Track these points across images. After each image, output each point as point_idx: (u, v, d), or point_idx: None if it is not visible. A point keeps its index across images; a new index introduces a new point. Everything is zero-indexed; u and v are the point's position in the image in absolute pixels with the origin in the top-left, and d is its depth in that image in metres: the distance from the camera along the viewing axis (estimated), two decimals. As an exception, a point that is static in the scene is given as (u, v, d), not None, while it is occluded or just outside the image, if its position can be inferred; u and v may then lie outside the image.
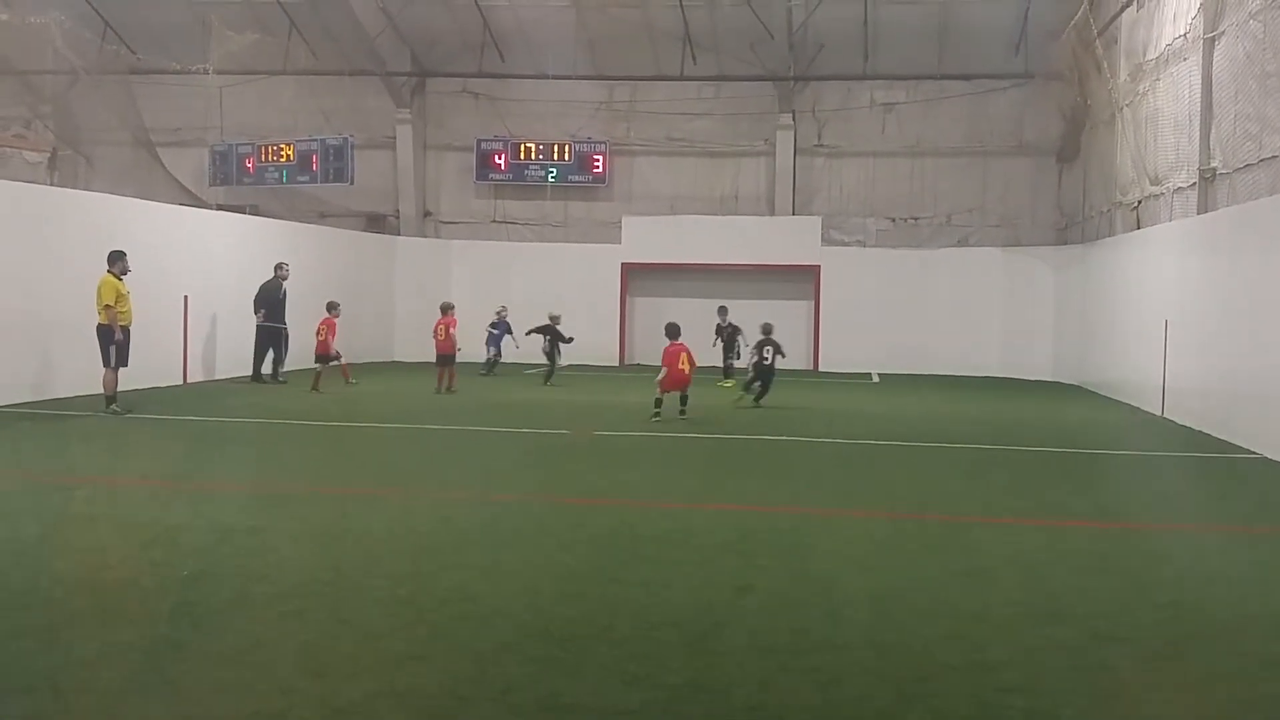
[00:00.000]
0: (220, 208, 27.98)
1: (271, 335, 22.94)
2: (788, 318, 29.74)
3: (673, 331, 18.02)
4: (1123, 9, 23.03)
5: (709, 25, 29.67)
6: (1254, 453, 14.84)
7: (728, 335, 24.75)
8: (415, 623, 6.84)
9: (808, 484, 12.39)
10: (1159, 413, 19.43)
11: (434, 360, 22.09)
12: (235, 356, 23.04)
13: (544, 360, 23.78)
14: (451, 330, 21.93)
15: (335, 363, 21.17)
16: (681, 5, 28.55)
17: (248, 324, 22.98)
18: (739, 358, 23.95)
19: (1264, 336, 14.92)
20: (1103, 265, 24.76)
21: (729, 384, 22.93)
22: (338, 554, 8.51)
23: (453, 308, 22.56)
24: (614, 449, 14.94)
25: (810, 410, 19.43)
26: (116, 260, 16.79)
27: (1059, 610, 7.35)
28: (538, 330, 23.79)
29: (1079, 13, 24.14)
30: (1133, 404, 21.21)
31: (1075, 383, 26.35)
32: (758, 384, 19.83)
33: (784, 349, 20.15)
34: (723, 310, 25.05)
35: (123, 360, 16.76)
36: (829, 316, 29.18)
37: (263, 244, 24.90)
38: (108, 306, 16.45)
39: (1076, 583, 8.11)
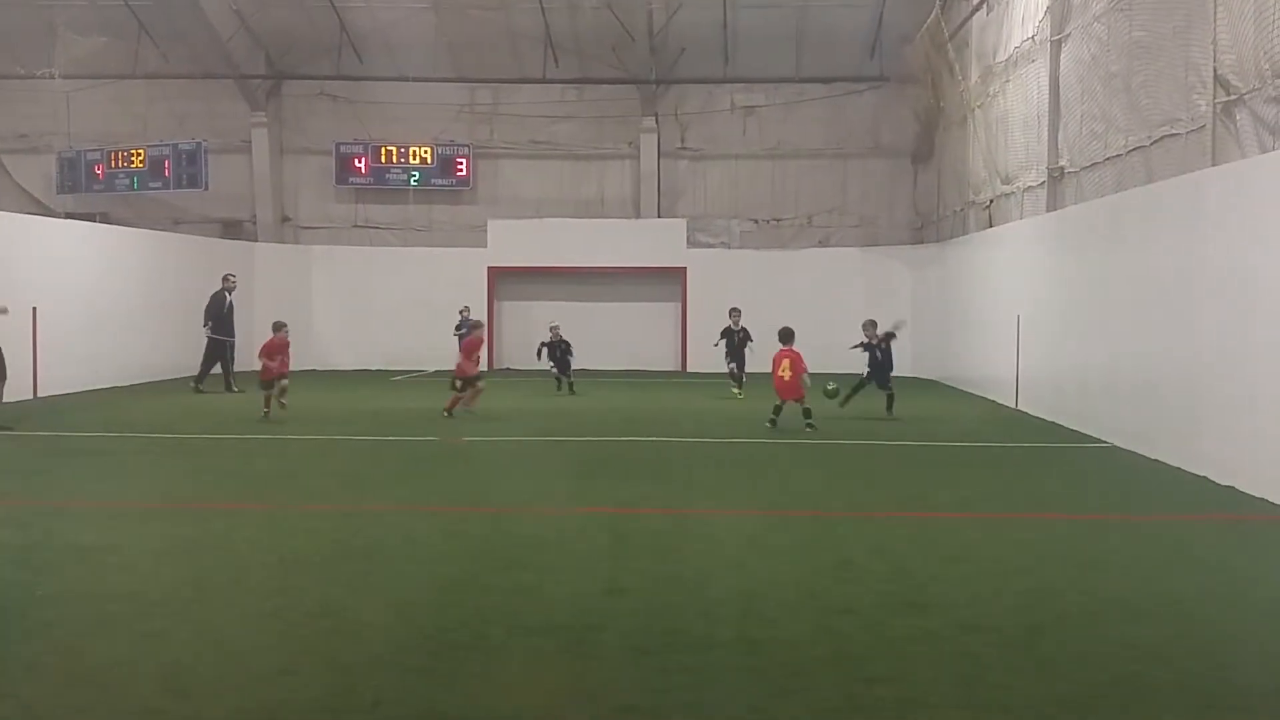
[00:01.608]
0: (69, 216, 27.11)
1: (217, 347, 22.97)
2: (655, 320, 30.04)
3: (784, 336, 17.46)
4: (973, 13, 23.67)
5: (570, 28, 29.69)
6: (1105, 442, 15.37)
7: (739, 340, 22.16)
8: (282, 638, 6.71)
9: (680, 485, 12.44)
10: (1014, 405, 20.00)
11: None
12: (90, 368, 22.34)
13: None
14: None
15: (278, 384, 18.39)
16: (542, 8, 28.53)
17: (101, 335, 22.32)
18: (740, 367, 21.88)
19: (1111, 329, 15.46)
20: (957, 263, 25.40)
21: (739, 393, 21.57)
22: (200, 570, 8.31)
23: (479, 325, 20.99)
24: (484, 455, 14.85)
25: (680, 410, 19.55)
26: None
27: (924, 601, 7.52)
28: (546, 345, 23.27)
29: (931, 17, 24.74)
30: (989, 397, 21.79)
31: (934, 378, 26.95)
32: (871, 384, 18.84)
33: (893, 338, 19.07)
34: (734, 312, 22.41)
35: None
36: (696, 318, 29.35)
37: (114, 253, 24.22)
38: None
39: (940, 573, 8.31)
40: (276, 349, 18.37)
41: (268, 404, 18.10)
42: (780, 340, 17.54)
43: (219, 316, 23.28)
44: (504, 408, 20.13)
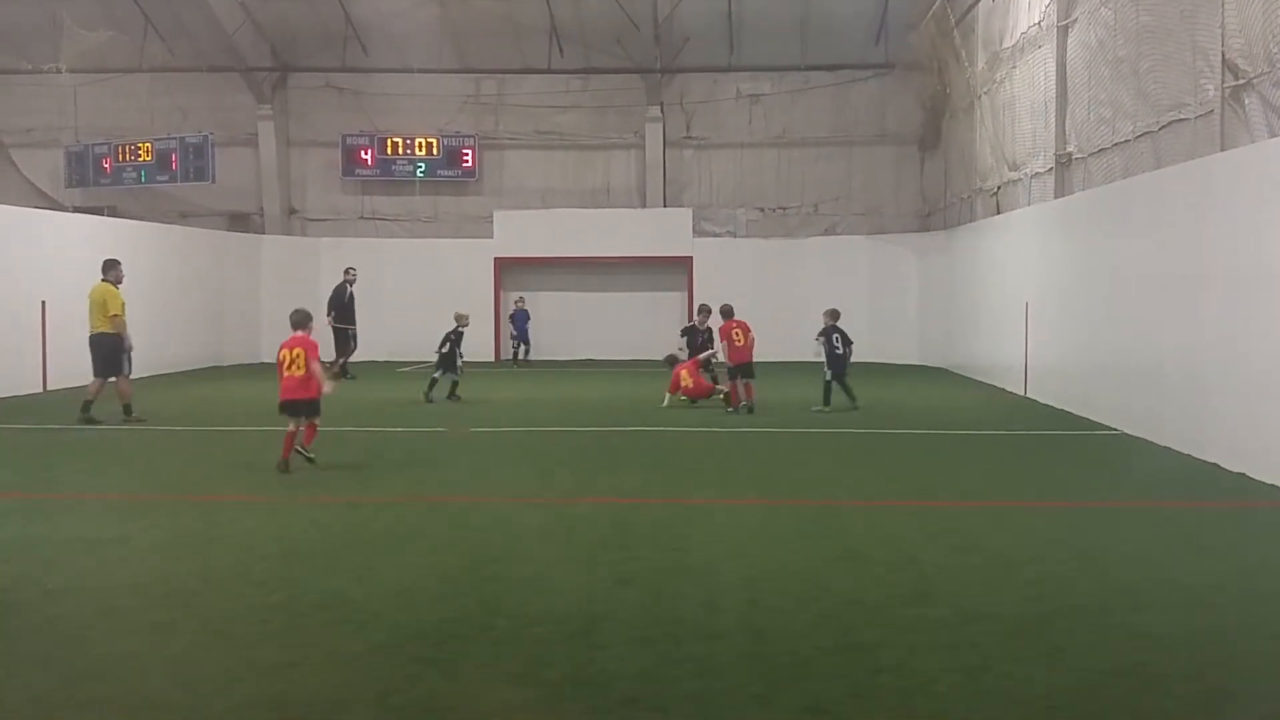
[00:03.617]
0: (77, 210, 27.17)
1: (339, 335, 24.33)
2: (662, 309, 29.99)
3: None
4: (979, -1, 23.58)
5: (575, 18, 29.64)
6: (1113, 429, 15.32)
7: (701, 341, 19.60)
8: (288, 629, 6.72)
9: (684, 474, 12.44)
10: (1022, 393, 19.95)
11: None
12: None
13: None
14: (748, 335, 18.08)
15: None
16: (547, -2, 28.51)
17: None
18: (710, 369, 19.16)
19: (1120, 315, 15.41)
20: (964, 250, 25.33)
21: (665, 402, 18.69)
22: (206, 562, 8.31)
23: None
24: (490, 445, 14.85)
25: (684, 400, 19.49)
26: (112, 268, 16.77)
27: (929, 590, 7.50)
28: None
29: (937, 3, 24.65)
30: (997, 385, 21.73)
31: (941, 366, 26.90)
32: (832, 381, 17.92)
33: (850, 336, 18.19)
34: (703, 310, 19.85)
35: (120, 368, 16.65)
36: (702, 307, 29.30)
37: (122, 246, 24.13)
38: (115, 316, 16.36)
39: (946, 563, 8.28)
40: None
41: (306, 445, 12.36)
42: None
43: (340, 306, 24.50)
44: (509, 398, 20.13)
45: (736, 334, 17.89)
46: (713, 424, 16.43)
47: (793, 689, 5.70)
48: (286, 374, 11.99)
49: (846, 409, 17.79)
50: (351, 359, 24.86)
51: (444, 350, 19.35)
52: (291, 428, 11.99)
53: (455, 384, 19.51)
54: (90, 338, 16.53)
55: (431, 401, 19.17)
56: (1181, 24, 14.22)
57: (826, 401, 17.88)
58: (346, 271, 25.18)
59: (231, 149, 30.85)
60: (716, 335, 18.89)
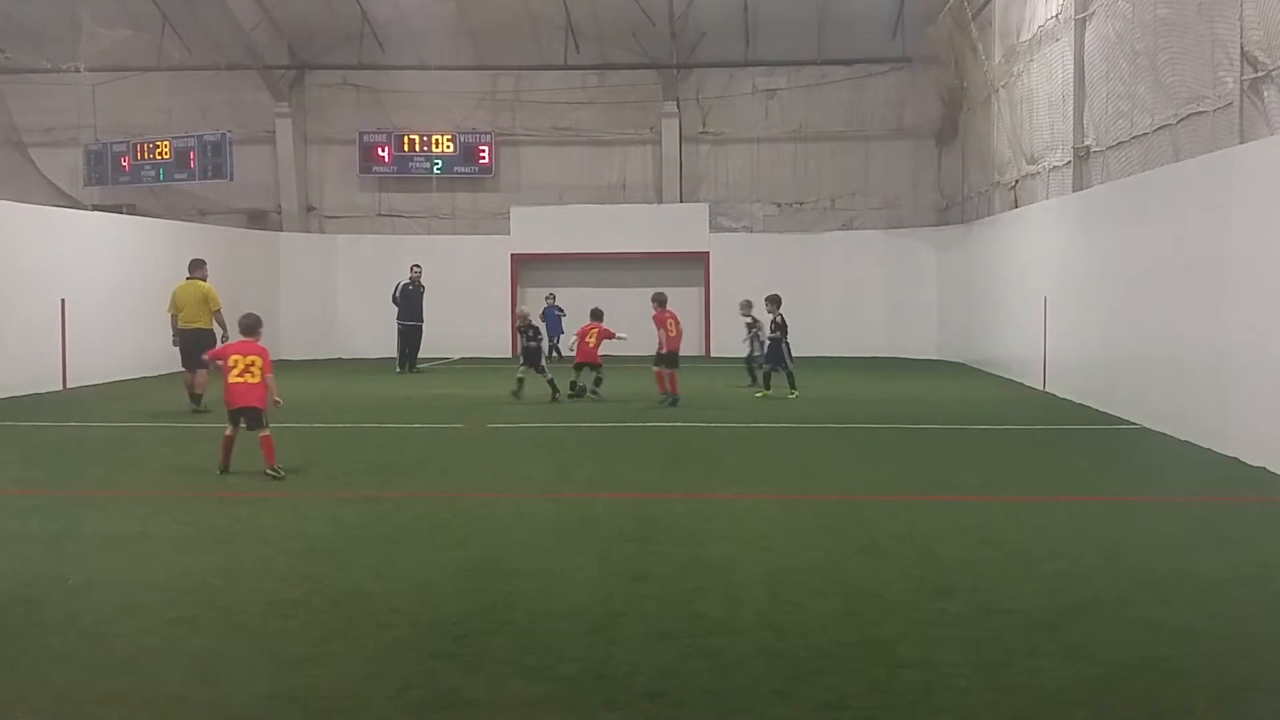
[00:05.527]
0: (96, 208, 27.29)
1: (406, 331, 25.38)
2: (678, 305, 29.91)
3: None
4: (996, -8, 23.50)
5: (591, 13, 29.64)
6: (1133, 423, 15.25)
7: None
8: (309, 624, 6.74)
9: (703, 469, 12.43)
10: (1041, 387, 19.89)
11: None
12: (118, 359, 22.45)
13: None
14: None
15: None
16: (562, -7, 28.52)
17: (128, 326, 22.46)
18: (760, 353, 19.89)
19: (1139, 309, 15.34)
20: (983, 244, 25.25)
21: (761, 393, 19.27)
22: (227, 558, 8.35)
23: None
24: (508, 441, 14.87)
25: (702, 395, 19.51)
26: (200, 266, 17.59)
27: (950, 585, 7.48)
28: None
29: (953, -4, 24.58)
30: (1016, 379, 21.66)
31: (959, 361, 26.82)
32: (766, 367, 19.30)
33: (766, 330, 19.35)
34: (772, 299, 19.57)
35: (203, 362, 16.91)
36: (719, 302, 29.27)
37: (141, 244, 24.31)
38: (218, 310, 17.21)
39: (966, 557, 8.26)
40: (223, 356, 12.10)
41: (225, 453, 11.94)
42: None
43: (399, 304, 25.29)
44: (525, 393, 20.14)
45: (670, 324, 18.60)
46: (730, 419, 16.42)
47: (812, 684, 5.69)
48: (236, 379, 11.63)
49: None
50: (368, 356, 25.04)
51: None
52: (229, 432, 11.80)
53: (552, 382, 19.09)
54: (185, 331, 17.25)
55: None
56: (1200, 16, 14.15)
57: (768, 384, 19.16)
58: (411, 269, 25.76)
59: (249, 147, 30.97)
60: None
